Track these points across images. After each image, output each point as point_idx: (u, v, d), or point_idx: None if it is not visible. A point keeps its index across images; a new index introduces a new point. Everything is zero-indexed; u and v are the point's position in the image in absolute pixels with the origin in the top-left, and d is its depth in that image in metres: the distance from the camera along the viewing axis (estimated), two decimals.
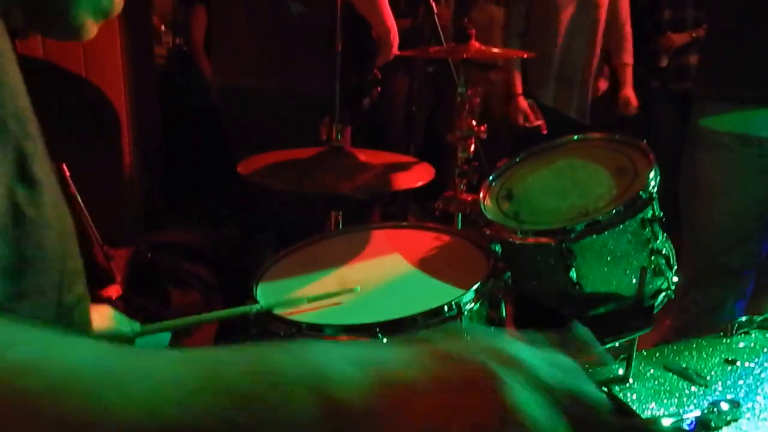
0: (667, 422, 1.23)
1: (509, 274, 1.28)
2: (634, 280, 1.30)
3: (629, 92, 3.70)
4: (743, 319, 1.59)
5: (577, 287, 1.27)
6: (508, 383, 0.49)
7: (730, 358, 1.46)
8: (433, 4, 2.32)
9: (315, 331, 1.12)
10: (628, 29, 3.67)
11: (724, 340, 1.54)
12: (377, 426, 0.48)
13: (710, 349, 1.50)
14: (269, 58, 2.29)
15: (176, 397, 0.46)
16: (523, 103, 3.66)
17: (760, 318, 1.59)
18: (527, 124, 3.67)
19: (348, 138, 2.36)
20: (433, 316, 1.16)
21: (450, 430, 0.48)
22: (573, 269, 1.27)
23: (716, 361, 1.46)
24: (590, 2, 3.52)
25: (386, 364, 0.50)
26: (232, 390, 0.47)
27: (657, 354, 1.49)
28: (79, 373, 0.47)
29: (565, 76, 3.62)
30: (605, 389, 1.33)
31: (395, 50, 2.25)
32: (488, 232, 1.40)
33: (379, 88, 2.47)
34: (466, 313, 1.20)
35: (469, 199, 2.06)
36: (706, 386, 1.37)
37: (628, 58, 3.69)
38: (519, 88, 3.66)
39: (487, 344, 0.53)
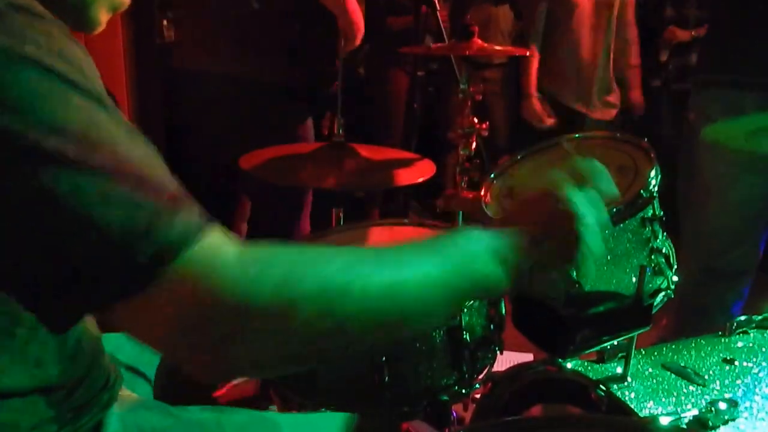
0: (665, 421, 1.24)
1: None
2: (633, 279, 1.30)
3: (637, 95, 3.69)
4: (742, 318, 1.59)
5: (577, 286, 1.27)
6: (569, 200, 0.85)
7: (728, 358, 1.46)
8: (437, 2, 2.30)
9: None
10: (635, 30, 3.66)
11: (723, 340, 1.54)
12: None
13: (709, 349, 1.51)
14: (223, 42, 2.21)
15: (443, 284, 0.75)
16: (537, 104, 3.62)
17: (759, 318, 1.59)
18: (540, 125, 3.62)
19: (310, 132, 2.29)
20: None
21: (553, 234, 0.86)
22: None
23: (714, 361, 1.46)
24: (604, 2, 3.50)
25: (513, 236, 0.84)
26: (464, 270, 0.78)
27: (656, 353, 1.49)
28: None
29: (583, 76, 3.58)
30: (603, 388, 1.34)
31: (359, 41, 2.16)
32: None
33: (336, 84, 2.36)
34: (465, 310, 1.20)
35: (471, 196, 2.06)
36: (705, 385, 1.37)
37: (635, 59, 3.68)
38: (533, 89, 3.61)
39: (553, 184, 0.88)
